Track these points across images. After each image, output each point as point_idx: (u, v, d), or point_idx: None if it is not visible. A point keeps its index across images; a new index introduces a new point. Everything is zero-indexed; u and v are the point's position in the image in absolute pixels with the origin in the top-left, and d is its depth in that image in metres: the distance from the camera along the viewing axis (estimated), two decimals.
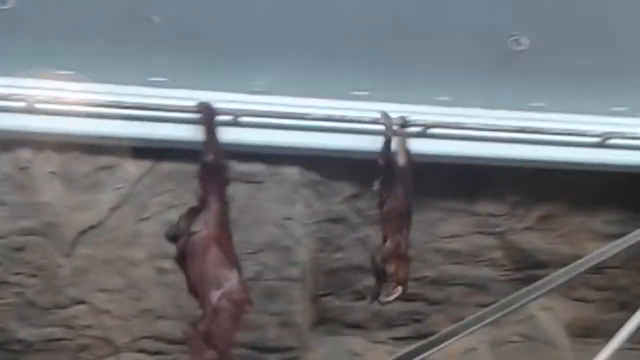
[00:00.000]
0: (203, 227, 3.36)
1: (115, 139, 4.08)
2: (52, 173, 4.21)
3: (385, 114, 4.03)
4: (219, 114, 3.76)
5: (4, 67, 3.84)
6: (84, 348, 4.28)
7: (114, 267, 4.28)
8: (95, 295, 4.28)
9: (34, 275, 4.23)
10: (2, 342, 4.25)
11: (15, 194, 4.23)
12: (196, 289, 3.34)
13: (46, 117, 3.92)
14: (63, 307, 4.26)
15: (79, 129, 4.00)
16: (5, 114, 3.92)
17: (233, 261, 3.37)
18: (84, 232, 4.25)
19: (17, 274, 4.22)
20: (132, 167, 4.29)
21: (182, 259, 3.40)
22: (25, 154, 4.19)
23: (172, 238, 3.47)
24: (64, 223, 4.21)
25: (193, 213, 3.43)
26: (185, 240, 3.37)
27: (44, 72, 3.85)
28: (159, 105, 3.97)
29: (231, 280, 3.29)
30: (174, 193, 4.28)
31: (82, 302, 4.27)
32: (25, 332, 4.24)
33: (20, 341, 4.25)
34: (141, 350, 4.32)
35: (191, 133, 3.85)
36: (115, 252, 4.27)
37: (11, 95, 3.83)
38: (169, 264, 4.15)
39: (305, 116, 4.12)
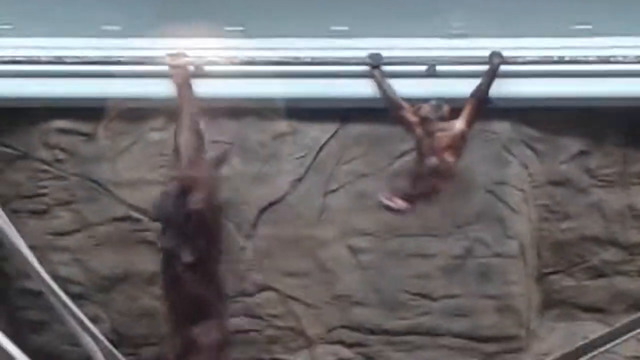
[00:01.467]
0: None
1: (294, 101, 3.91)
2: (228, 144, 4.11)
3: None
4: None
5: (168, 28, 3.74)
6: (274, 340, 4.25)
7: (301, 248, 4.17)
8: (282, 281, 4.19)
9: None
10: None
11: None
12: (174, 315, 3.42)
13: (216, 81, 3.77)
14: (248, 295, 4.20)
15: (252, 91, 3.85)
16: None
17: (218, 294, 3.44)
18: (265, 209, 4.17)
19: None
20: (314, 133, 4.15)
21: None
22: None
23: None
24: (243, 199, 4.14)
25: None
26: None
27: (211, 30, 3.75)
28: (340, 59, 3.73)
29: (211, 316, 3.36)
30: (365, 159, 4.10)
31: (268, 288, 4.20)
32: None
33: None
34: (337, 342, 4.20)
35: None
36: (301, 231, 4.15)
37: None
38: (363, 242, 4.12)
39: (517, 59, 3.67)
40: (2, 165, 4.41)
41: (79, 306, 4.37)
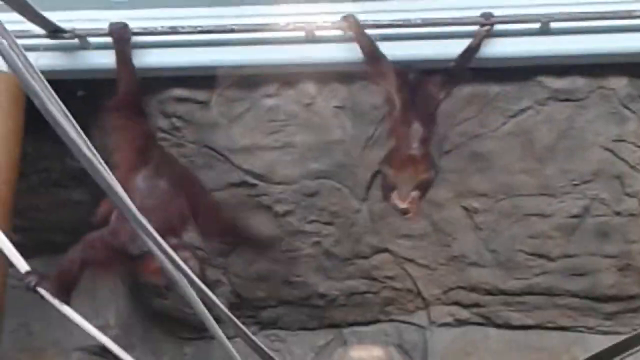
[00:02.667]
0: None
1: (408, 62, 3.91)
2: (339, 107, 4.23)
3: None
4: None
5: None
6: (389, 302, 4.40)
7: None
8: (397, 242, 4.34)
9: (329, 223, 4.35)
10: (304, 297, 4.50)
11: (302, 134, 4.33)
12: None
13: (327, 45, 3.92)
14: (364, 257, 4.35)
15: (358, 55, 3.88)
16: (284, 46, 3.95)
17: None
18: (379, 172, 4.22)
19: (312, 222, 4.36)
20: None
21: None
22: (308, 88, 4.23)
23: None
24: (357, 163, 4.27)
25: None
26: None
27: None
28: (451, 20, 3.81)
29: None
30: (478, 120, 4.13)
31: (383, 250, 4.35)
32: (326, 286, 4.40)
33: (322, 295, 4.45)
34: (455, 303, 4.37)
35: (490, 48, 3.75)
36: None
37: (288, 24, 3.87)
38: (478, 203, 4.21)
39: (633, 13, 3.70)
40: None
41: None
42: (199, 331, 4.82)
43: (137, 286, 4.80)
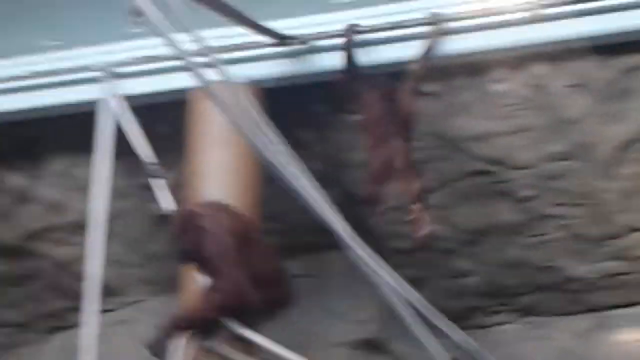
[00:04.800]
0: None
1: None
2: (573, 86, 4.32)
3: None
4: None
5: None
6: None
7: None
8: None
9: (577, 205, 4.45)
10: (559, 282, 4.64)
11: (536, 117, 4.46)
12: None
13: (554, 24, 4.03)
14: (617, 237, 4.42)
15: (594, 28, 4.01)
16: (509, 29, 4.11)
17: None
18: (622, 148, 4.31)
19: (558, 205, 4.49)
20: None
21: None
22: (538, 69, 4.33)
23: None
24: (597, 141, 4.31)
25: None
26: None
27: None
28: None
29: None
30: None
31: (637, 229, 4.38)
32: (581, 269, 4.54)
33: (578, 279, 4.59)
34: None
35: None
36: None
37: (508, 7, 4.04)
38: None
39: None
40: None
41: (449, 261, 5.03)
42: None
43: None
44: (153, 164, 4.49)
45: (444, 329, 3.58)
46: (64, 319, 5.64)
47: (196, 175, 4.48)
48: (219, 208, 3.98)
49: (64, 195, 5.62)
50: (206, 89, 3.20)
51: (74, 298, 4.65)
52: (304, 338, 5.13)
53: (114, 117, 4.58)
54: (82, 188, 5.02)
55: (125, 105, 4.57)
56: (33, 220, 5.74)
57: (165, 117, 4.82)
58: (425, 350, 5.25)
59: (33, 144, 5.53)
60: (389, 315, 5.16)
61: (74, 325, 4.81)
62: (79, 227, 4.94)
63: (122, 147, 4.49)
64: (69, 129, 5.19)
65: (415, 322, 3.92)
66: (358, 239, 3.60)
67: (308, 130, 4.75)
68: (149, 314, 5.54)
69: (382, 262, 3.69)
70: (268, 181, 4.15)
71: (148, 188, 4.52)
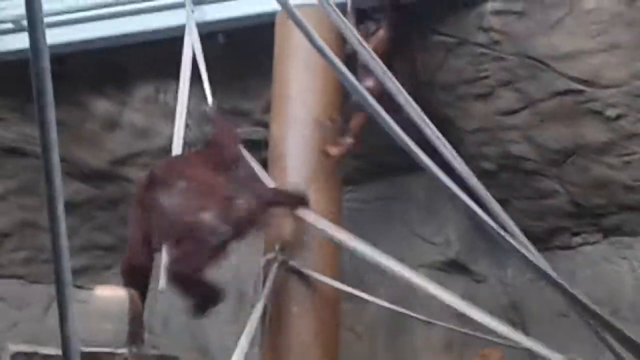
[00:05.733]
0: None
1: None
2: None
3: None
4: None
5: None
6: None
7: None
8: None
9: None
10: None
11: (628, 34, 4.47)
12: None
13: None
14: None
15: None
16: None
17: None
18: None
19: None
20: None
21: None
22: None
23: None
24: None
25: None
26: None
27: None
28: None
29: None
30: None
31: None
32: None
33: None
34: None
35: None
36: None
37: None
38: None
39: None
40: (443, 54, 5.03)
41: (534, 181, 5.11)
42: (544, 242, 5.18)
43: None
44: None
45: (524, 250, 3.63)
46: None
47: (282, 97, 4.69)
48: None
49: (150, 121, 5.88)
50: (291, 12, 3.30)
51: None
52: None
53: (196, 44, 4.83)
54: (168, 114, 5.24)
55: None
56: (120, 145, 6.06)
57: (252, 40, 5.04)
58: (505, 270, 5.50)
59: (120, 71, 5.80)
60: (470, 236, 5.43)
61: None
62: (165, 152, 5.18)
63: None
64: (155, 56, 5.47)
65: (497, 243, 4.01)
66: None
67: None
68: None
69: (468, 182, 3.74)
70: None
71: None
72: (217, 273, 4.23)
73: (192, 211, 4.05)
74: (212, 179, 4.26)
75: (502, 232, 3.57)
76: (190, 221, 4.01)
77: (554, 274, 3.63)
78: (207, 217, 4.01)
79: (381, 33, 4.60)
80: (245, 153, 4.69)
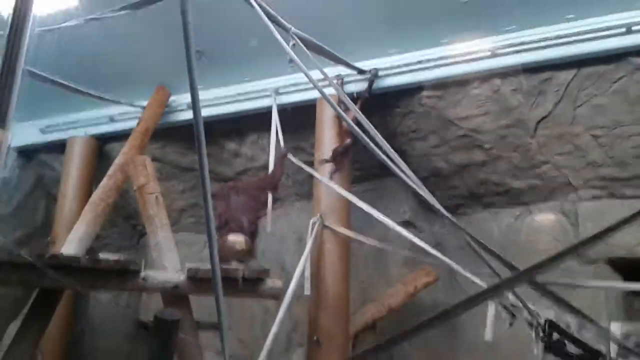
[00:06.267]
0: None
1: None
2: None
3: None
4: None
5: None
6: None
7: None
8: None
9: None
10: None
11: (495, 105, 6.73)
12: None
13: None
14: None
15: None
16: None
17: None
18: None
19: None
20: None
21: None
22: None
23: None
24: None
25: None
26: None
27: None
28: None
29: None
30: None
31: None
32: None
33: None
34: None
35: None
36: None
37: None
38: None
39: None
40: (400, 117, 7.49)
41: (448, 180, 7.53)
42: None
43: None
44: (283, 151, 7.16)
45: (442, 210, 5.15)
46: None
47: (319, 141, 7.48)
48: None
49: (255, 153, 8.92)
50: (326, 98, 5.10)
51: None
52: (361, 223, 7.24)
53: (275, 115, 7.51)
54: (264, 149, 8.26)
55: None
56: (239, 165, 9.10)
57: (305, 112, 7.58)
58: (434, 225, 7.94)
59: (239, 128, 8.74)
60: (415, 209, 8.31)
61: None
62: (264, 169, 8.06)
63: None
64: (257, 120, 8.34)
65: (430, 209, 5.86)
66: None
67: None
68: None
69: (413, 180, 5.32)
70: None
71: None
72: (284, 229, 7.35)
73: (239, 209, 6.37)
74: (252, 194, 6.58)
75: (432, 201, 5.14)
76: (237, 215, 6.38)
77: (458, 224, 5.19)
78: (243, 214, 6.39)
79: (360, 104, 6.82)
80: (300, 164, 7.06)
